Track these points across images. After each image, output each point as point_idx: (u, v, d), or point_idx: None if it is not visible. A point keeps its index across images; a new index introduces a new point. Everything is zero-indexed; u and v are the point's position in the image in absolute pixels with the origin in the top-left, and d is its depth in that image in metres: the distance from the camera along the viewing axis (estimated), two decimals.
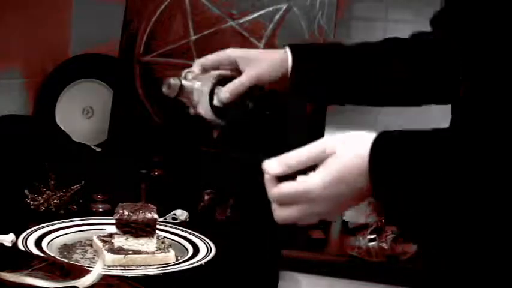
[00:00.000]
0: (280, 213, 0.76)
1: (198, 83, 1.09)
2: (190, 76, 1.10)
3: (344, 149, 0.73)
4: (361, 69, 1.09)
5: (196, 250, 1.15)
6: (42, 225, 1.18)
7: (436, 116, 1.62)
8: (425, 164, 0.69)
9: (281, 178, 0.76)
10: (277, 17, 1.50)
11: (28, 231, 1.15)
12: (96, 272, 0.94)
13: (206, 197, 1.41)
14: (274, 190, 0.76)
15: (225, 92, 1.08)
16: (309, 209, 0.75)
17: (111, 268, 1.05)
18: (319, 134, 1.48)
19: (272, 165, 0.76)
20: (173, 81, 1.09)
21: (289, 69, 1.07)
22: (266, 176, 0.76)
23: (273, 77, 1.08)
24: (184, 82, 1.09)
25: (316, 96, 1.14)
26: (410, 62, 1.06)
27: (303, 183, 0.74)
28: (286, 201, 0.75)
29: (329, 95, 1.12)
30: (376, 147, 0.71)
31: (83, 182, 1.35)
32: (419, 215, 0.71)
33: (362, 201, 0.76)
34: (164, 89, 1.10)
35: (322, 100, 1.24)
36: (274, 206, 0.77)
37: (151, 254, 1.11)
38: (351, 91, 1.10)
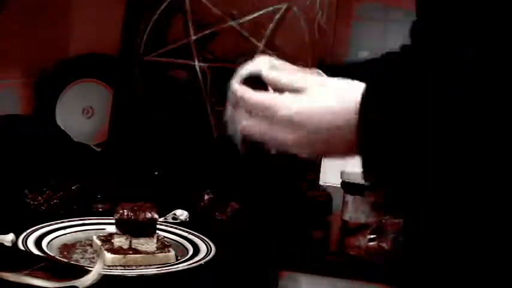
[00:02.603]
0: (244, 121, 0.72)
1: None
2: None
3: (336, 84, 0.69)
4: None
5: (196, 250, 1.15)
6: (42, 225, 1.18)
7: None
8: (420, 120, 0.62)
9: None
10: (277, 17, 1.49)
11: (28, 231, 1.14)
12: (96, 272, 0.94)
13: (206, 197, 1.40)
14: (245, 94, 0.72)
15: None
16: (270, 130, 0.70)
17: (111, 268, 1.05)
18: None
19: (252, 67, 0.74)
20: None
21: None
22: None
23: None
24: None
25: None
26: None
27: (273, 97, 0.71)
28: (250, 109, 0.71)
29: None
30: (367, 101, 0.65)
31: (83, 181, 1.35)
32: (410, 174, 0.63)
33: (333, 151, 0.70)
34: None
35: None
36: (240, 112, 0.72)
37: (151, 254, 1.10)
38: None
